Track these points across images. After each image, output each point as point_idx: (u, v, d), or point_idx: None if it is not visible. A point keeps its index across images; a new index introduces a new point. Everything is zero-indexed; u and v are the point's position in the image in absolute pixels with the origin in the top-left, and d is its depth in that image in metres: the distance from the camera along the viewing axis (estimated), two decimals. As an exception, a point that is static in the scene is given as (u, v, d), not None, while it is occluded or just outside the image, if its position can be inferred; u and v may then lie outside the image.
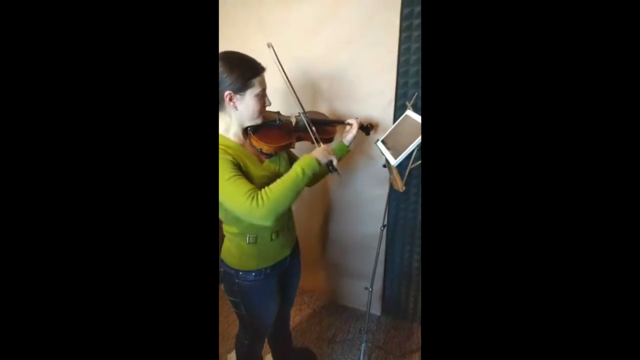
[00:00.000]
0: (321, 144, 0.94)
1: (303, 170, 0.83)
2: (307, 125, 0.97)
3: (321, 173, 1.06)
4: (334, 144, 1.10)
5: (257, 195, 0.77)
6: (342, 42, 1.25)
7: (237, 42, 1.35)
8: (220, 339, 1.56)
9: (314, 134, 0.96)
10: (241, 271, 0.95)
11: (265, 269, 0.97)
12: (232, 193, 0.77)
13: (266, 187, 0.80)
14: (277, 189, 0.79)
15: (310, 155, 0.87)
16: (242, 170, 0.83)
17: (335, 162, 0.89)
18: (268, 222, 0.78)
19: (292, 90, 0.98)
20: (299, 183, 0.82)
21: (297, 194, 0.83)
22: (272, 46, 0.95)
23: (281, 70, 0.95)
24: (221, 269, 0.99)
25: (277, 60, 0.95)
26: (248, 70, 0.82)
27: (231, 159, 0.80)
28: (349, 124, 1.08)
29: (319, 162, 0.86)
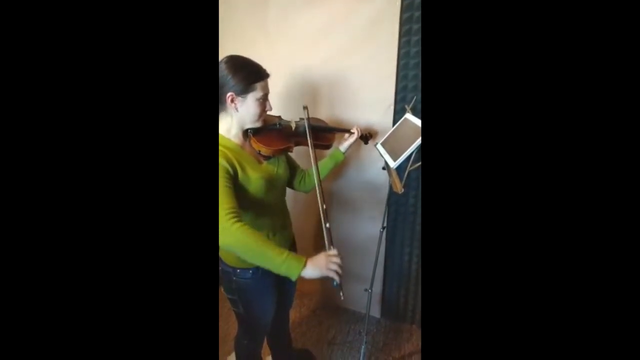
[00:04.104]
0: (321, 199, 0.87)
1: (284, 263, 0.71)
2: (306, 132, 0.99)
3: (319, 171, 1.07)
4: (331, 151, 1.12)
5: (235, 219, 0.71)
6: (343, 47, 1.27)
7: (241, 49, 1.37)
8: (219, 341, 1.57)
9: (311, 142, 0.98)
10: (239, 269, 0.96)
11: None
12: (219, 199, 0.75)
13: (248, 227, 0.72)
14: (254, 238, 0.71)
15: (301, 261, 0.72)
16: (237, 176, 0.84)
17: (338, 280, 0.74)
18: (222, 246, 0.70)
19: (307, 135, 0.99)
20: (270, 263, 0.72)
21: (260, 263, 0.73)
22: (307, 108, 1.01)
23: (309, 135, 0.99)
24: (219, 267, 1.00)
25: (306, 121, 1.00)
26: (251, 74, 0.85)
27: (227, 166, 0.81)
28: (351, 132, 1.11)
29: (302, 273, 0.72)
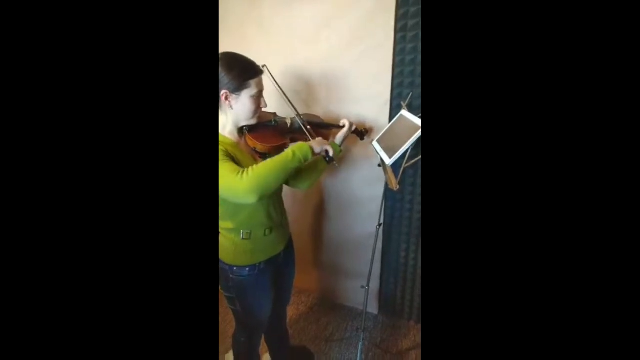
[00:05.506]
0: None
1: (294, 152, 0.83)
2: (302, 126, 0.99)
3: (315, 167, 1.07)
4: None
5: (244, 170, 0.77)
6: (338, 44, 1.26)
7: (237, 44, 1.37)
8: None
9: (309, 133, 0.98)
10: (235, 266, 0.96)
11: (259, 264, 0.98)
12: (220, 174, 0.76)
13: (251, 168, 0.78)
14: (264, 165, 0.79)
15: (304, 144, 0.87)
16: (235, 163, 0.84)
17: (331, 152, 0.91)
18: (252, 198, 0.76)
19: (286, 99, 1.00)
20: (287, 164, 0.81)
21: (284, 174, 0.82)
22: (266, 67, 0.98)
23: (277, 86, 0.99)
24: (217, 266, 1.00)
25: (272, 79, 0.99)
26: (245, 72, 0.84)
27: (224, 149, 0.82)
28: (342, 125, 1.10)
29: (312, 150, 0.86)
